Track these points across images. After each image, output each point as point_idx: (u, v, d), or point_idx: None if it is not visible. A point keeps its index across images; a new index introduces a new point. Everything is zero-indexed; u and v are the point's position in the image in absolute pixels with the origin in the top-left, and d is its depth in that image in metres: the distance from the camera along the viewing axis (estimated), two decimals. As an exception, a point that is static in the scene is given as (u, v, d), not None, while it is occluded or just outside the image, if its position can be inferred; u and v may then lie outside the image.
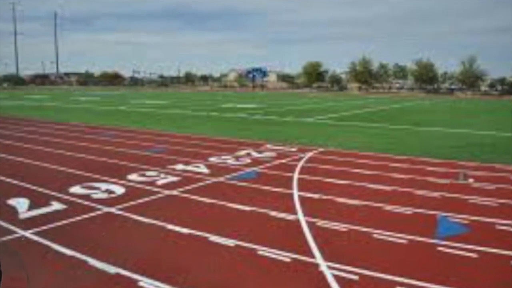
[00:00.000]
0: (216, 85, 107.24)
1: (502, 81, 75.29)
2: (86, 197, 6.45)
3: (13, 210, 5.77)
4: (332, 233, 5.04)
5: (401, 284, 3.81)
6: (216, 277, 3.91)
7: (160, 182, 7.40)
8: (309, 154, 10.37)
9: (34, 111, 24.59)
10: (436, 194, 6.80)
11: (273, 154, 10.37)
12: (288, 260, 4.27)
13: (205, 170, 8.48)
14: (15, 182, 7.33)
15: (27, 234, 4.92)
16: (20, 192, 6.66)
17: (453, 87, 78.28)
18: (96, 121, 18.55)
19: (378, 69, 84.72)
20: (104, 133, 14.14)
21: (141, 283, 3.78)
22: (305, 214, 5.70)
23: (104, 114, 22.79)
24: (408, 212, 5.87)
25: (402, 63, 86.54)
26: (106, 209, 5.87)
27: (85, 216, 5.59)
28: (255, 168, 8.65)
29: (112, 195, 6.57)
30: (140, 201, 6.30)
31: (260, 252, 4.45)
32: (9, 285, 3.67)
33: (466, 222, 5.47)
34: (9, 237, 4.83)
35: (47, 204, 6.06)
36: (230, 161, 9.44)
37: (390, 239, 4.87)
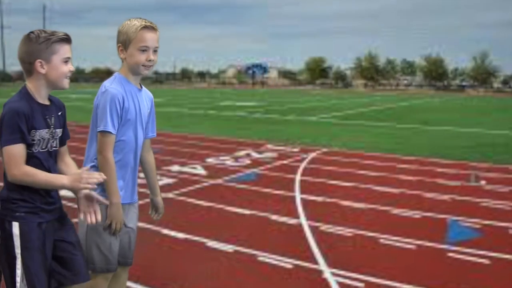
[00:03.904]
0: (214, 81, 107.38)
1: (515, 77, 75.36)
2: (77, 200, 6.44)
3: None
4: (337, 238, 5.04)
5: (409, 291, 3.81)
6: (214, 285, 3.91)
7: (154, 184, 7.38)
8: (312, 154, 10.38)
9: (22, 109, 24.55)
10: (446, 196, 6.81)
11: (274, 154, 10.38)
12: (290, 266, 4.27)
13: (202, 171, 8.48)
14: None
15: (15, 239, 4.91)
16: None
17: (464, 84, 78.40)
18: (87, 120, 18.48)
19: (385, 65, 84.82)
20: (96, 133, 14.13)
21: (134, 291, 3.77)
22: (308, 218, 5.70)
23: (96, 112, 22.77)
24: (417, 216, 5.87)
25: (410, 59, 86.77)
26: (98, 213, 5.86)
27: (76, 220, 5.58)
28: (255, 170, 8.65)
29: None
30: (133, 204, 6.29)
31: (261, 258, 4.46)
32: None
33: (477, 226, 5.48)
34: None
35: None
36: (229, 162, 9.44)
37: (398, 244, 4.87)
